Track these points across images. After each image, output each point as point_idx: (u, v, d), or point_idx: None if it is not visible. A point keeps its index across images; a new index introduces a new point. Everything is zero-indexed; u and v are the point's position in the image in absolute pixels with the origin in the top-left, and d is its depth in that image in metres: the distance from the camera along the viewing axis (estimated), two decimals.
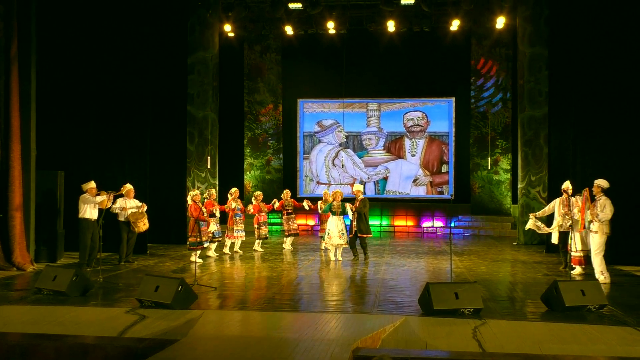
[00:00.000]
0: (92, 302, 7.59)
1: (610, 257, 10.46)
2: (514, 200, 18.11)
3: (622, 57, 11.57)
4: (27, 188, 10.64)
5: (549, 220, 11.05)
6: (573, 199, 10.07)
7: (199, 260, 11.26)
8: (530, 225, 10.51)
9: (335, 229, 11.52)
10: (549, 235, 10.90)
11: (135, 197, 11.22)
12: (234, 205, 12.47)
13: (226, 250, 12.64)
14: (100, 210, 10.34)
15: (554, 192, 10.59)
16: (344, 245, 11.65)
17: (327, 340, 5.72)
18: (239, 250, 12.77)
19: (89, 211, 10.40)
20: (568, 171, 12.04)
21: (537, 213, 10.69)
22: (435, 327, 6.37)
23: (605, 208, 9.16)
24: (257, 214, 13.03)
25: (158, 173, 13.66)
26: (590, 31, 11.83)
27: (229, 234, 12.57)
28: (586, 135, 11.91)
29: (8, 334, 6.11)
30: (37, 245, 11.10)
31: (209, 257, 11.98)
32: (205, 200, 11.94)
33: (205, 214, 11.19)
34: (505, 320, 6.69)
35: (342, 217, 11.56)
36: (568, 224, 9.89)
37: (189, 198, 11.07)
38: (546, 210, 10.68)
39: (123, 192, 10.95)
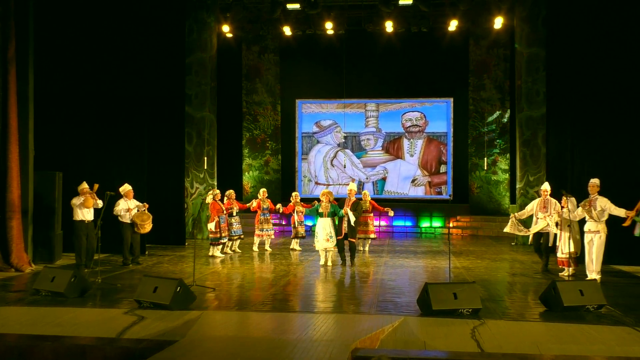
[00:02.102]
0: (91, 303, 7.58)
1: (609, 257, 10.49)
2: (513, 200, 18.11)
3: (620, 57, 11.57)
4: (25, 189, 10.61)
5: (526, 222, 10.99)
6: (554, 200, 10.13)
7: (220, 255, 12.05)
8: (509, 228, 10.41)
9: (322, 231, 10.76)
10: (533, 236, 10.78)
11: (134, 197, 11.20)
12: (255, 204, 12.91)
13: (255, 247, 13.08)
14: (98, 211, 10.30)
15: (552, 192, 10.58)
16: (331, 249, 10.90)
17: (326, 341, 5.71)
18: (268, 249, 13.19)
19: (82, 213, 10.38)
20: (566, 171, 12.04)
21: (516, 214, 10.62)
22: (433, 327, 6.36)
23: (602, 207, 9.16)
24: (293, 214, 13.23)
25: (156, 174, 13.63)
26: (588, 31, 11.83)
27: (257, 232, 13.03)
28: (584, 135, 11.91)
29: (6, 335, 6.10)
30: (35, 246, 11.06)
31: (227, 253, 12.47)
32: (226, 199, 12.51)
33: (225, 212, 12.07)
34: (503, 321, 6.69)
35: (330, 218, 10.77)
36: (549, 224, 9.94)
37: (209, 197, 12.00)
38: (525, 212, 10.59)
39: (121, 192, 10.92)
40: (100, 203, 10.32)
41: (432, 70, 19.54)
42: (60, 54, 12.42)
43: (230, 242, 12.73)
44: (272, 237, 13.30)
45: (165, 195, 13.97)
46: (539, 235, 10.38)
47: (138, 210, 11.01)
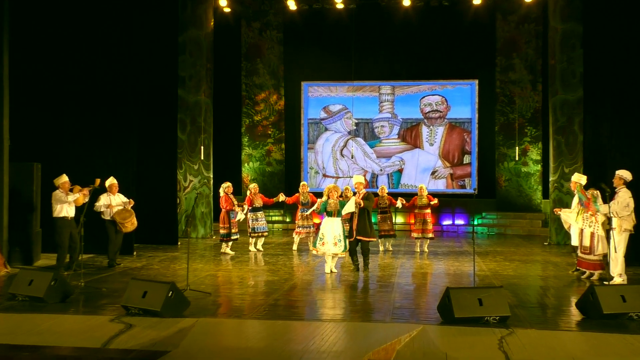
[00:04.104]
0: (73, 309, 7.61)
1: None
2: (545, 194, 18.05)
3: None
4: None
5: None
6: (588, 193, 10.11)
7: (231, 252, 12.66)
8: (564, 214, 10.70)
9: (330, 234, 10.15)
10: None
11: (120, 191, 11.23)
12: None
13: (295, 247, 13.42)
14: (81, 207, 10.33)
15: (590, 185, 10.52)
16: (340, 255, 10.36)
17: (335, 352, 5.72)
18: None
19: (65, 209, 10.40)
20: (605, 162, 11.96)
21: (562, 210, 10.87)
22: (456, 337, 6.36)
23: (621, 201, 9.09)
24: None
25: (146, 165, 13.67)
26: (631, 2, 11.72)
27: (296, 229, 13.37)
28: (626, 121, 11.84)
29: None
30: (11, 246, 11.11)
31: (251, 250, 13.07)
32: (248, 193, 13.05)
33: (236, 206, 12.62)
34: (535, 330, 6.67)
35: (340, 219, 10.26)
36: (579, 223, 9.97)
37: (221, 190, 12.59)
38: (570, 210, 10.68)
39: (105, 186, 10.94)
40: (87, 199, 10.38)
41: (454, 49, 19.43)
42: (38, 33, 12.41)
43: (254, 240, 13.09)
44: (310, 233, 13.24)
45: (155, 189, 14.03)
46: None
47: (124, 207, 11.03)
